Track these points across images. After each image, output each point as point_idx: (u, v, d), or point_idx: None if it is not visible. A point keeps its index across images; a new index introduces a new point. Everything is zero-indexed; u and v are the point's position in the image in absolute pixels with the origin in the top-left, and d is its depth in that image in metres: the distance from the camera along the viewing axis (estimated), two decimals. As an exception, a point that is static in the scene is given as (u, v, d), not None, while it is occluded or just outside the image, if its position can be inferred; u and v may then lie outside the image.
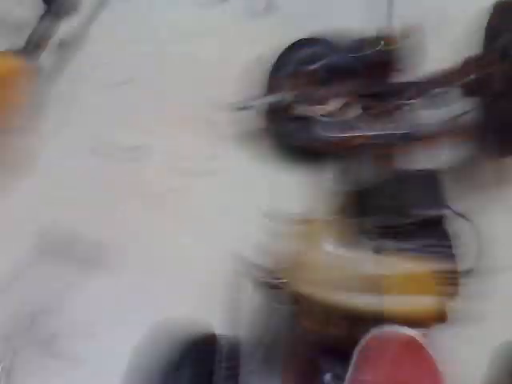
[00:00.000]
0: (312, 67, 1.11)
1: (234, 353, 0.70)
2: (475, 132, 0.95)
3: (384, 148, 0.94)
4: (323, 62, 1.13)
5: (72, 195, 1.15)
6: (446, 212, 0.72)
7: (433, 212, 0.72)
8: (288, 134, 1.10)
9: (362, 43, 0.99)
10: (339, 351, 0.66)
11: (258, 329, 0.80)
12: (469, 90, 0.99)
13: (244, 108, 1.14)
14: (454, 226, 0.72)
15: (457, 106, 0.97)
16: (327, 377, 0.65)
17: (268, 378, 0.72)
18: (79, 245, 1.06)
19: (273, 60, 1.17)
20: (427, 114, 0.97)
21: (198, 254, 1.08)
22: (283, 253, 0.71)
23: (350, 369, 0.61)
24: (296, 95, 1.08)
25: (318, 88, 1.08)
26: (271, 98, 1.12)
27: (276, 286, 0.70)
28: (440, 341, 0.63)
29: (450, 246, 0.68)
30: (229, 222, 1.11)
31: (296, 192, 1.07)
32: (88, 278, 1.02)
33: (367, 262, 0.67)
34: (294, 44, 1.18)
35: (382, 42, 0.96)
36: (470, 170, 0.97)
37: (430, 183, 0.76)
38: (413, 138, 0.93)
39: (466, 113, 0.94)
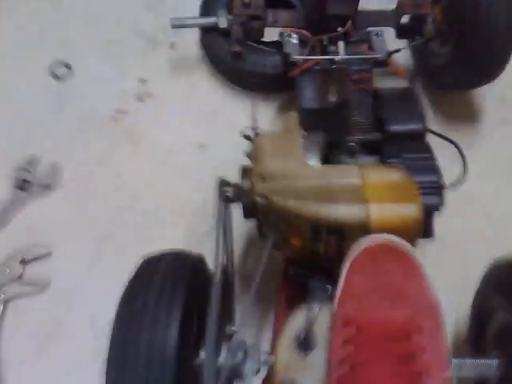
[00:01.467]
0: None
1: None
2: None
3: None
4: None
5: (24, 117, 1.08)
6: (424, 127, 0.72)
7: (411, 126, 0.72)
8: (232, 58, 1.05)
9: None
10: (330, 271, 0.64)
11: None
12: (402, 31, 1.01)
13: (179, 26, 1.05)
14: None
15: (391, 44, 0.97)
16: (317, 296, 0.62)
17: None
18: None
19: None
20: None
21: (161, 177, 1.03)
22: (261, 169, 0.66)
23: (339, 285, 0.58)
24: (234, 19, 1.02)
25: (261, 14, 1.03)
26: (208, 20, 1.06)
27: (259, 203, 0.65)
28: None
29: (430, 159, 0.68)
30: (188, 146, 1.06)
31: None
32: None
33: (349, 172, 0.64)
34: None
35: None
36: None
37: (405, 99, 0.76)
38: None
39: (397, 51, 0.95)
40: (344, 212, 0.61)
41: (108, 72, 1.16)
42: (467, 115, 1.09)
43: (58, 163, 1.04)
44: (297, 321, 0.62)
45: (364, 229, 0.60)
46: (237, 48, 1.05)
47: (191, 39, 1.17)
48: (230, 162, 0.78)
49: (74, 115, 1.10)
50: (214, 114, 1.11)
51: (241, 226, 0.88)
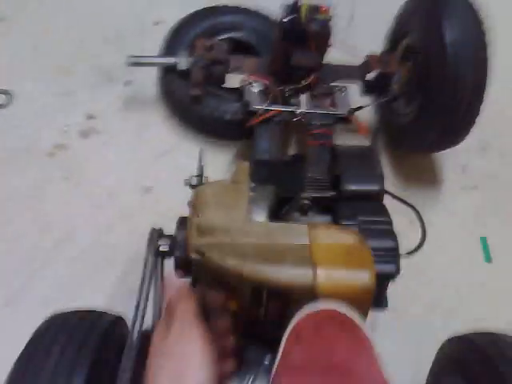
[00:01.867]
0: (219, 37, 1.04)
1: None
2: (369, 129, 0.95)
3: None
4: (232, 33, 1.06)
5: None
6: (381, 188, 0.66)
7: (368, 187, 0.66)
8: (190, 101, 0.99)
9: (294, 7, 0.91)
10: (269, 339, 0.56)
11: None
12: (367, 88, 0.99)
13: (136, 64, 0.99)
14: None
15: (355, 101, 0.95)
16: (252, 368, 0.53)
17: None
18: None
19: (182, 21, 1.07)
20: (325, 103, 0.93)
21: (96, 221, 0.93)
22: (200, 220, 0.58)
23: (278, 356, 0.50)
24: (197, 61, 0.97)
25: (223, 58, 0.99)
26: (169, 60, 1.01)
27: (195, 261, 0.56)
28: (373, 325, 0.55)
29: (387, 223, 0.62)
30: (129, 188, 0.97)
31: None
32: None
33: (297, 231, 0.57)
34: (211, 8, 1.09)
35: (316, 11, 0.89)
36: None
37: (364, 158, 0.71)
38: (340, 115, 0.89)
39: (360, 108, 0.92)
40: (289, 274, 0.53)
41: (53, 103, 1.08)
42: (428, 179, 1.05)
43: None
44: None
45: (310, 294, 0.53)
46: (196, 91, 0.99)
47: (149, 78, 1.11)
48: (176, 209, 0.70)
49: (6, 145, 1.00)
50: (164, 156, 1.04)
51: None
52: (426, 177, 1.05)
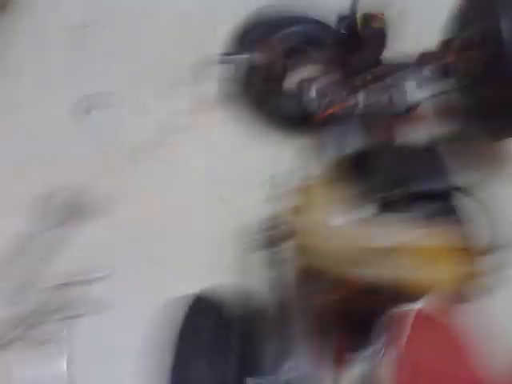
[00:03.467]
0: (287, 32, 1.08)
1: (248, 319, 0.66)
2: (454, 113, 0.99)
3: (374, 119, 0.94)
4: (300, 28, 1.11)
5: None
6: (451, 187, 0.73)
7: (438, 186, 0.73)
8: (267, 101, 1.07)
9: (351, 18, 0.96)
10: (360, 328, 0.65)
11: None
12: (445, 72, 1.01)
13: (221, 62, 1.08)
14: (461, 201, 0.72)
15: (434, 87, 0.99)
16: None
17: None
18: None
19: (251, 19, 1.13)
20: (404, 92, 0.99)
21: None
22: (288, 224, 0.68)
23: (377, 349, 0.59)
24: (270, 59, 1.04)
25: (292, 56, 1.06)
26: (248, 57, 1.08)
27: (284, 260, 0.67)
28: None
29: (458, 221, 0.69)
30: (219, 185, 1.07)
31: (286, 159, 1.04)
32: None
33: (378, 232, 0.66)
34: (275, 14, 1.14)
35: (371, 19, 0.95)
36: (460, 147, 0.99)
37: (432, 157, 0.77)
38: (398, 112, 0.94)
39: (443, 93, 0.96)
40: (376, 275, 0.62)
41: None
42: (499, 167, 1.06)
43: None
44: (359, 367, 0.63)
45: (396, 293, 0.62)
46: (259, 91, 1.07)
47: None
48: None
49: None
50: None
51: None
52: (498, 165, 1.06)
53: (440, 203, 0.71)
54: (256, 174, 1.06)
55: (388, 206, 0.73)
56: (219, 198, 1.07)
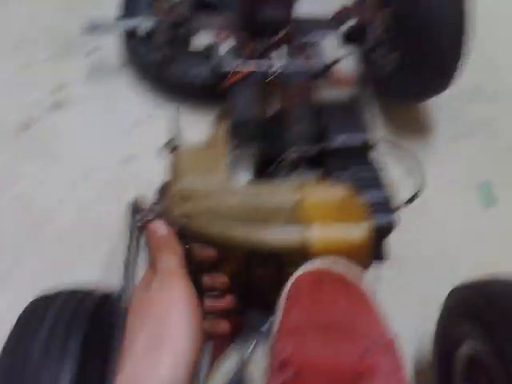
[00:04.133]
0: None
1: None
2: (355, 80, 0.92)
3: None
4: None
5: None
6: (369, 141, 0.64)
7: (357, 139, 0.64)
8: (158, 65, 0.94)
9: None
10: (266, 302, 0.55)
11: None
12: (347, 37, 0.96)
13: (94, 30, 0.94)
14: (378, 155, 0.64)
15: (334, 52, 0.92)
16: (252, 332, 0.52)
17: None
18: None
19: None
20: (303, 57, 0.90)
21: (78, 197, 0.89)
22: (180, 187, 0.55)
23: (277, 317, 0.49)
24: (160, 22, 0.93)
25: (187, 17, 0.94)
26: (129, 22, 0.95)
27: (180, 229, 0.54)
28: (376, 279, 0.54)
29: (379, 173, 0.60)
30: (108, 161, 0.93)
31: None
32: None
33: (285, 189, 0.55)
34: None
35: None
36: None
37: (350, 111, 0.68)
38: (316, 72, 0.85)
39: (335, 63, 0.88)
40: (280, 235, 0.51)
41: (17, 78, 1.02)
42: (418, 129, 1.02)
43: None
44: (229, 360, 0.51)
45: (304, 254, 0.51)
46: (159, 56, 0.94)
47: (114, 44, 1.06)
48: (158, 176, 0.67)
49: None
50: (140, 124, 0.99)
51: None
52: (416, 127, 1.02)
53: (359, 158, 0.62)
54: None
55: (304, 163, 0.63)
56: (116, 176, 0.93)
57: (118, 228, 0.85)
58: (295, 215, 0.52)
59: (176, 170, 0.56)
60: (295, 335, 0.46)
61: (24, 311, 0.52)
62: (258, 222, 0.52)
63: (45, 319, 0.49)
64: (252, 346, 0.49)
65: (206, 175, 0.55)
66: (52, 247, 0.84)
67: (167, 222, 0.56)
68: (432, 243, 0.88)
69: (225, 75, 0.85)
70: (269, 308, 0.55)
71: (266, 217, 0.52)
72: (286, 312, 0.48)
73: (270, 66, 0.86)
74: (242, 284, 0.56)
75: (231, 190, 0.53)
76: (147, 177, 0.88)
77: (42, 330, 0.48)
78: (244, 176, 0.57)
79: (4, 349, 0.49)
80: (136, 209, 0.58)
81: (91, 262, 0.82)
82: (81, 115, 0.99)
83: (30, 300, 0.54)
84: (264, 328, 0.53)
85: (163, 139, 0.70)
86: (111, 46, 1.06)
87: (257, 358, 0.50)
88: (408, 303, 0.78)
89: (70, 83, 1.02)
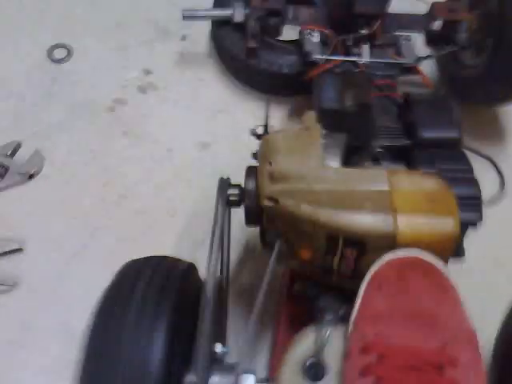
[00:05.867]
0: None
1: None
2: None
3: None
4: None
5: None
6: (460, 135, 0.63)
7: (446, 134, 0.63)
8: (246, 54, 0.96)
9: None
10: (343, 289, 0.55)
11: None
12: (435, 36, 0.94)
13: (191, 17, 0.97)
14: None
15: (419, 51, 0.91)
16: (328, 315, 0.53)
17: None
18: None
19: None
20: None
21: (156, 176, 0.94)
22: (272, 168, 0.57)
23: (357, 304, 0.49)
24: (253, 12, 0.95)
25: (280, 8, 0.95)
26: (224, 11, 0.98)
27: (266, 207, 0.55)
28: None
29: (468, 170, 0.59)
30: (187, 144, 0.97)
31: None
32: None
33: (376, 176, 0.54)
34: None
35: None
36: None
37: (440, 105, 0.67)
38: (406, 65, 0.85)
39: (428, 57, 0.88)
40: (367, 221, 0.51)
41: (111, 59, 1.08)
42: (498, 133, 0.99)
43: (41, 150, 0.94)
44: (304, 344, 0.52)
45: (389, 242, 0.51)
46: (252, 44, 0.97)
47: (204, 32, 1.09)
48: (234, 164, 0.69)
49: (67, 101, 1.01)
50: (221, 112, 1.02)
51: (238, 233, 0.80)
52: (496, 130, 0.99)
53: (451, 153, 0.61)
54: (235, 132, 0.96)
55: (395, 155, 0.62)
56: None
57: (192, 209, 0.89)
58: (384, 203, 0.52)
59: (268, 152, 0.57)
60: (378, 322, 0.46)
61: (118, 273, 0.55)
62: (346, 207, 0.52)
63: (139, 280, 0.51)
64: (328, 331, 0.50)
65: (299, 158, 0.56)
66: (128, 224, 0.88)
67: (254, 201, 0.58)
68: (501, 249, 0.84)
69: (313, 65, 0.86)
70: (344, 293, 0.55)
71: (354, 203, 0.52)
72: (368, 298, 0.49)
73: (358, 59, 0.86)
74: (321, 270, 0.56)
75: (323, 175, 0.54)
76: (223, 162, 0.93)
77: (137, 290, 0.50)
78: (334, 162, 0.57)
79: (98, 307, 0.51)
80: (226, 185, 0.61)
81: (165, 241, 0.86)
82: (166, 99, 1.03)
83: (105, 275, 0.56)
84: (341, 312, 0.53)
85: (243, 128, 0.72)
86: (201, 35, 1.09)
87: (334, 342, 0.50)
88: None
89: (159, 68, 1.06)
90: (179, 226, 0.88)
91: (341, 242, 0.53)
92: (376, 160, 0.62)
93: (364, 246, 0.52)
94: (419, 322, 0.45)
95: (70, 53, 1.07)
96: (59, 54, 1.07)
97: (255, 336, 0.73)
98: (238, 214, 0.64)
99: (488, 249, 0.83)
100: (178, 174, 0.94)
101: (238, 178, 0.65)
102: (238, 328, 0.72)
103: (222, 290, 0.63)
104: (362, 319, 0.48)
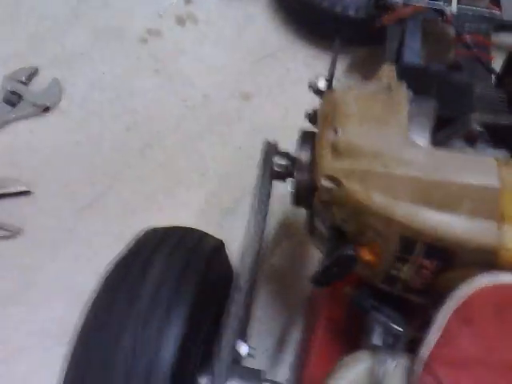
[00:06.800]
0: None
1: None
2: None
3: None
4: None
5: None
6: None
7: None
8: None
9: None
10: (410, 305, 0.43)
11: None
12: None
13: None
14: None
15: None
16: (387, 339, 0.41)
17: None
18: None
19: None
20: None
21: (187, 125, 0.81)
22: (339, 138, 0.43)
23: (433, 335, 0.37)
24: None
25: None
26: None
27: (323, 188, 0.42)
28: None
29: None
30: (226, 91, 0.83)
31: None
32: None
33: (483, 168, 0.40)
34: None
35: None
36: None
37: None
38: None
39: None
40: (462, 226, 0.38)
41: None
42: None
43: (60, 81, 0.82)
44: (356, 372, 0.41)
45: (489, 258, 0.38)
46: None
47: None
48: (277, 124, 0.55)
49: (92, 26, 0.88)
50: (268, 57, 0.87)
51: (275, 204, 0.66)
52: None
53: None
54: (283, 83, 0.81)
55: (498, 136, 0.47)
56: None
57: (225, 169, 0.76)
58: (489, 205, 0.38)
59: (334, 114, 0.43)
60: (464, 370, 0.34)
61: (136, 242, 0.46)
62: (435, 203, 0.38)
63: (156, 258, 0.42)
64: (394, 365, 0.38)
65: (376, 128, 0.42)
66: (150, 178, 0.77)
67: (307, 177, 0.45)
68: None
69: (387, 9, 0.71)
70: (408, 315, 0.43)
71: (447, 199, 0.39)
72: (451, 333, 0.36)
73: (445, 5, 0.70)
74: (381, 278, 0.44)
75: (407, 156, 0.40)
76: (265, 119, 0.79)
77: (152, 271, 0.41)
78: (422, 139, 0.43)
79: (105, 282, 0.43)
80: (273, 152, 0.47)
81: (190, 204, 0.74)
82: (206, 36, 0.89)
83: (119, 235, 0.47)
84: (408, 336, 0.41)
85: (293, 78, 0.58)
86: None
87: (395, 376, 0.38)
88: None
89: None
90: (207, 187, 0.76)
91: (419, 247, 0.39)
92: (471, 140, 0.47)
93: (451, 258, 0.39)
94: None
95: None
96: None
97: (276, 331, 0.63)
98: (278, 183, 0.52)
99: None
100: (211, 125, 0.81)
101: (282, 143, 0.51)
102: (263, 319, 0.62)
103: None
104: (438, 360, 0.35)
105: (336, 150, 0.42)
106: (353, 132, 0.42)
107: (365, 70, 0.78)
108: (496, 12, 0.73)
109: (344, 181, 0.41)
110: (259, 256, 0.55)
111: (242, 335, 0.51)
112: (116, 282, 0.43)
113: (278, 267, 0.69)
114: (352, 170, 0.41)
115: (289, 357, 0.62)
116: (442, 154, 0.41)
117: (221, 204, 0.73)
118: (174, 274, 0.42)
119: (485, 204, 0.38)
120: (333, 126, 0.43)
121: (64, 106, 0.81)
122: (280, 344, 0.63)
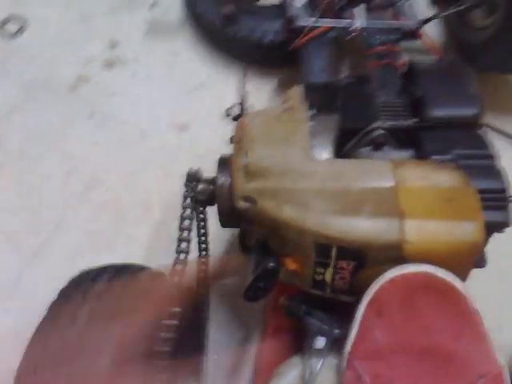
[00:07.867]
0: None
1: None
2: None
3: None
4: None
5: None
6: (479, 112, 0.52)
7: (462, 111, 0.52)
8: (223, 21, 0.84)
9: None
10: (337, 307, 0.46)
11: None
12: None
13: None
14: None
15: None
16: (319, 341, 0.43)
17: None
18: None
19: None
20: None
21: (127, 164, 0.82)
22: (249, 161, 0.46)
23: (352, 333, 0.39)
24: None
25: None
26: None
27: (243, 211, 0.45)
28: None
29: (491, 157, 0.48)
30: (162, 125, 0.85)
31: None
32: None
33: (378, 171, 0.44)
34: None
35: None
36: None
37: (453, 75, 0.55)
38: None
39: (431, 19, 0.77)
40: (366, 228, 0.41)
41: (71, 31, 0.95)
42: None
43: (-5, 136, 0.83)
44: (289, 377, 0.43)
45: (394, 254, 0.41)
46: (229, 9, 0.85)
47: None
48: (216, 148, 0.58)
49: (22, 79, 0.89)
50: (198, 88, 0.90)
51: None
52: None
53: (465, 134, 0.50)
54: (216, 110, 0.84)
55: (399, 139, 0.51)
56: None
57: (168, 200, 0.78)
58: (388, 204, 0.41)
59: (243, 140, 0.46)
60: (377, 360, 0.37)
61: (63, 289, 0.46)
62: (340, 209, 0.42)
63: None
64: (320, 365, 0.40)
65: (282, 148, 0.45)
66: (94, 217, 0.78)
67: (228, 201, 0.47)
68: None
69: (298, 32, 0.75)
70: (338, 316, 0.46)
71: (350, 204, 0.42)
72: (365, 327, 0.39)
73: (350, 24, 0.76)
74: (306, 280, 0.46)
75: (310, 170, 0.43)
76: (203, 146, 0.82)
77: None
78: (324, 152, 0.46)
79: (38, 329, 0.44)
80: (193, 179, 0.50)
81: (138, 238, 0.76)
82: (136, 75, 0.92)
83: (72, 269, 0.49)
84: (335, 334, 0.44)
85: (226, 105, 0.62)
86: (173, 1, 0.97)
87: (325, 376, 0.41)
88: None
89: (127, 39, 0.95)
90: (154, 220, 0.77)
91: (334, 252, 0.42)
92: (377, 145, 0.51)
93: (363, 259, 0.42)
94: (431, 362, 0.36)
95: (24, 25, 0.94)
96: (12, 26, 0.94)
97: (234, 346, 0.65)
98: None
99: None
100: (152, 159, 0.83)
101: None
102: (220, 338, 0.63)
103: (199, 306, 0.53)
104: (357, 355, 0.38)
105: (248, 172, 0.45)
106: (260, 154, 0.45)
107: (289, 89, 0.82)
108: (398, 22, 0.78)
109: (258, 200, 0.44)
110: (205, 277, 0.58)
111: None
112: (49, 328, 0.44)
113: (229, 286, 0.71)
114: (264, 188, 0.44)
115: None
116: (340, 163, 0.45)
117: (169, 234, 0.74)
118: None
119: (385, 203, 0.41)
120: (244, 149, 0.46)
121: (1, 161, 0.82)
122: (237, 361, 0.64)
